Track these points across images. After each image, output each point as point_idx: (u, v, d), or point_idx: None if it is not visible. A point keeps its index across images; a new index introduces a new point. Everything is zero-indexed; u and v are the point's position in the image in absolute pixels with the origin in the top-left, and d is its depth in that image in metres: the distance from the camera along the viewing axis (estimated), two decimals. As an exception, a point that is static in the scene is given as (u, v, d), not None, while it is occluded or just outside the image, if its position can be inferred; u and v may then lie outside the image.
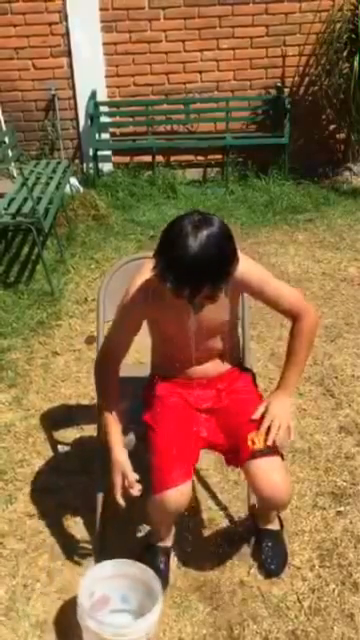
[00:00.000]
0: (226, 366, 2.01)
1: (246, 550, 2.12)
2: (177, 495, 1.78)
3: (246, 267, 1.78)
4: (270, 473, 1.81)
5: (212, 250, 1.58)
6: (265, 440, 1.82)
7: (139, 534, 2.19)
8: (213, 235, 1.59)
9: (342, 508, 2.27)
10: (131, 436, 1.98)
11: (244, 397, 1.98)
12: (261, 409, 1.90)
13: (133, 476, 1.82)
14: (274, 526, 2.11)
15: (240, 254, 1.71)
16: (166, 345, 1.96)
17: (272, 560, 2.04)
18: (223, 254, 1.61)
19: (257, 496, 1.95)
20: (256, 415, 1.89)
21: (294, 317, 1.93)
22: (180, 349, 1.90)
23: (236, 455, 1.87)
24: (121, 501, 1.82)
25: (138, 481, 1.82)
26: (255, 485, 1.84)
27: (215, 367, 1.98)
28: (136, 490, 1.81)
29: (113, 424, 1.89)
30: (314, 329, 1.97)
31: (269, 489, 1.81)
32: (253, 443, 1.82)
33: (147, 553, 2.04)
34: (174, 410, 1.93)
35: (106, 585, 1.88)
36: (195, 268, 1.57)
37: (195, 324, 1.80)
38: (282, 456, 1.87)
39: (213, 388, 1.99)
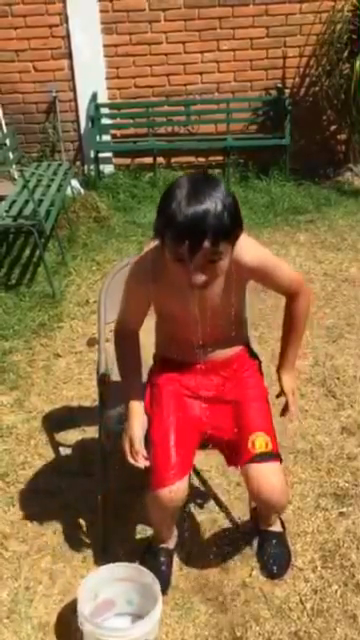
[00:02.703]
0: (232, 351, 1.97)
1: (248, 551, 2.11)
2: (173, 493, 1.78)
3: (249, 251, 1.74)
4: (268, 477, 1.81)
5: (212, 202, 1.53)
6: (266, 443, 1.82)
7: (141, 536, 2.19)
8: (214, 190, 1.56)
9: (344, 509, 2.27)
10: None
11: (248, 392, 1.94)
12: (290, 394, 1.94)
13: (139, 446, 1.81)
14: (276, 528, 2.10)
15: (246, 237, 1.70)
16: (170, 326, 1.92)
17: (274, 562, 2.03)
18: (224, 207, 1.55)
19: (254, 499, 1.96)
20: (292, 412, 1.93)
21: (292, 295, 1.91)
22: (184, 331, 1.85)
23: (236, 455, 1.86)
24: (132, 462, 1.81)
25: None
26: (252, 488, 1.84)
27: (220, 351, 1.94)
28: (141, 460, 1.80)
29: (134, 393, 1.89)
30: (310, 304, 1.97)
31: (266, 493, 1.82)
32: (253, 446, 1.81)
33: (149, 555, 2.04)
34: (171, 402, 1.90)
35: (111, 589, 1.88)
36: (194, 218, 1.52)
37: (197, 302, 1.74)
38: (281, 460, 1.87)
39: (217, 375, 1.96)
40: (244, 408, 1.90)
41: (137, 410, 1.88)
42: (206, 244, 1.54)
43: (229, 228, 1.57)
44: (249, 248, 1.73)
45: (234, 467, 1.96)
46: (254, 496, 1.91)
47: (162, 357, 2.01)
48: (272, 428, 1.89)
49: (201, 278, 1.61)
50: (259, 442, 1.82)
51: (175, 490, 1.79)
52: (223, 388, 1.95)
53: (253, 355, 2.05)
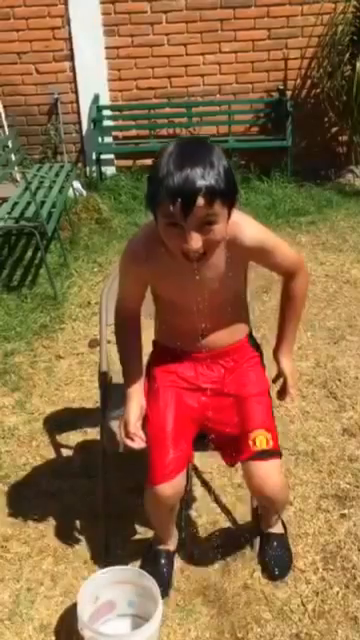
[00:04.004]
0: (233, 339, 1.90)
1: (250, 553, 2.11)
2: (171, 488, 1.79)
3: (247, 230, 1.69)
4: (269, 475, 1.81)
5: (206, 161, 1.49)
6: (267, 441, 1.81)
7: (142, 537, 2.19)
8: (208, 151, 1.52)
9: (346, 511, 2.27)
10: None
11: (250, 387, 1.89)
12: (289, 376, 1.91)
13: (132, 428, 1.79)
14: (277, 529, 2.10)
15: (245, 217, 1.67)
16: (168, 312, 1.86)
17: (275, 564, 2.03)
18: (218, 167, 1.50)
19: (255, 495, 1.96)
20: (292, 395, 1.92)
21: (291, 275, 1.85)
22: (182, 316, 1.80)
23: (236, 451, 1.85)
24: (129, 443, 1.78)
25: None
26: (253, 485, 1.85)
27: (221, 339, 1.87)
28: (137, 440, 1.78)
29: (133, 376, 1.85)
30: (308, 283, 1.93)
31: (267, 490, 1.83)
32: (254, 444, 1.80)
33: (150, 557, 2.04)
34: (167, 396, 1.87)
35: (112, 591, 1.88)
36: (187, 176, 1.47)
37: (194, 283, 1.68)
38: (280, 455, 1.87)
39: (217, 364, 1.90)
40: (245, 404, 1.87)
41: (135, 393, 1.84)
42: (200, 202, 1.48)
43: (224, 187, 1.51)
44: (248, 227, 1.69)
45: (231, 466, 1.95)
46: (255, 493, 1.92)
47: (161, 345, 1.96)
48: (273, 424, 1.88)
49: (197, 241, 1.54)
50: (259, 440, 1.81)
51: (173, 485, 1.79)
52: (223, 381, 1.91)
53: (255, 345, 1.99)
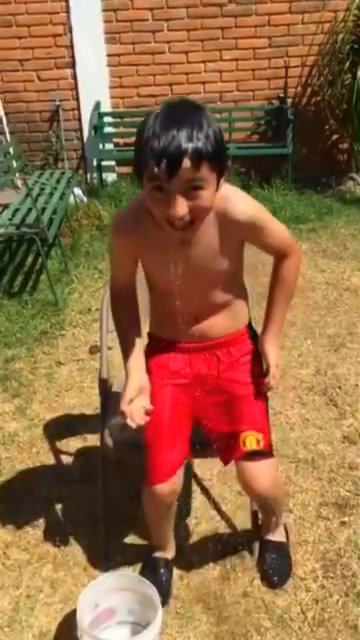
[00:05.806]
0: (232, 328, 1.83)
1: (249, 561, 2.11)
2: (168, 487, 1.79)
3: (239, 204, 1.62)
4: (260, 476, 1.81)
5: (193, 122, 1.43)
6: (257, 441, 1.79)
7: (142, 544, 2.19)
8: (196, 112, 1.46)
9: (346, 518, 2.26)
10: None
11: (243, 385, 1.84)
12: (274, 366, 1.82)
13: (125, 407, 1.72)
14: (277, 537, 2.10)
15: (238, 191, 1.64)
16: (161, 297, 1.80)
17: (274, 572, 2.03)
18: (207, 129, 1.44)
19: (246, 493, 1.96)
20: (271, 387, 1.83)
21: (283, 256, 1.78)
22: (174, 300, 1.72)
23: (228, 450, 1.83)
24: (130, 424, 1.72)
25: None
26: (245, 485, 1.85)
27: (217, 327, 1.80)
28: (133, 418, 1.71)
29: (129, 355, 1.80)
30: (300, 264, 1.85)
31: (259, 490, 1.83)
32: (244, 444, 1.78)
33: (149, 565, 2.04)
34: (161, 395, 1.83)
35: (111, 598, 1.88)
36: (173, 136, 1.40)
37: (182, 260, 1.61)
38: (272, 454, 1.85)
39: (213, 355, 1.84)
40: (238, 403, 1.83)
41: (132, 371, 1.79)
42: (186, 163, 1.41)
43: (211, 150, 1.44)
44: (240, 201, 1.62)
45: (226, 464, 1.92)
46: (247, 492, 1.92)
47: (156, 338, 1.91)
48: (265, 423, 1.84)
49: (182, 207, 1.47)
50: (250, 440, 1.79)
51: (170, 484, 1.79)
52: (219, 377, 1.85)
53: (254, 337, 1.90)
